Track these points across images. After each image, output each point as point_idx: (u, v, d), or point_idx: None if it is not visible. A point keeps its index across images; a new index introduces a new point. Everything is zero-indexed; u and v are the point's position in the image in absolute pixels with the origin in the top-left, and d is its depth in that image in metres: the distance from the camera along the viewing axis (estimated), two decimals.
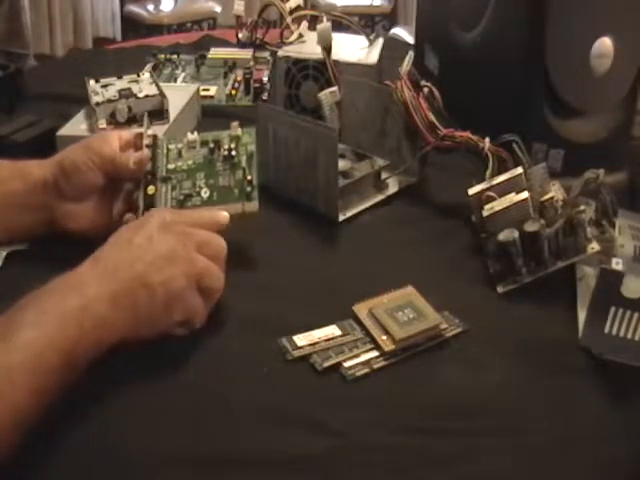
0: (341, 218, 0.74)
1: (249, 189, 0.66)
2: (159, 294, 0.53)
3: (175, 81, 1.05)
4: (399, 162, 0.79)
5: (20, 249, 0.66)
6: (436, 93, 0.77)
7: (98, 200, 0.66)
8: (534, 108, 0.79)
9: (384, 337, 0.57)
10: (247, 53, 1.10)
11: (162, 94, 0.84)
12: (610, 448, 0.50)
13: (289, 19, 1.08)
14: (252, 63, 1.08)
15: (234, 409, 0.51)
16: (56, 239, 0.66)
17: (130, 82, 0.87)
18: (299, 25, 1.07)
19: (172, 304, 0.54)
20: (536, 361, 0.57)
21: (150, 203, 0.65)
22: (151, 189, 0.65)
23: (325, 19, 0.96)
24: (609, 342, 0.56)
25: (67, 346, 0.48)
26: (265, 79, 1.03)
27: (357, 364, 0.55)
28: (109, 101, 0.82)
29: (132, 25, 3.56)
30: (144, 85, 0.86)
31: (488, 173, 0.71)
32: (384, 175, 0.80)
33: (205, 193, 0.66)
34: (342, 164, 0.78)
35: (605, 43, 0.76)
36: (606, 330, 0.56)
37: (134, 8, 3.59)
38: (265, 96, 1.00)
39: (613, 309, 0.55)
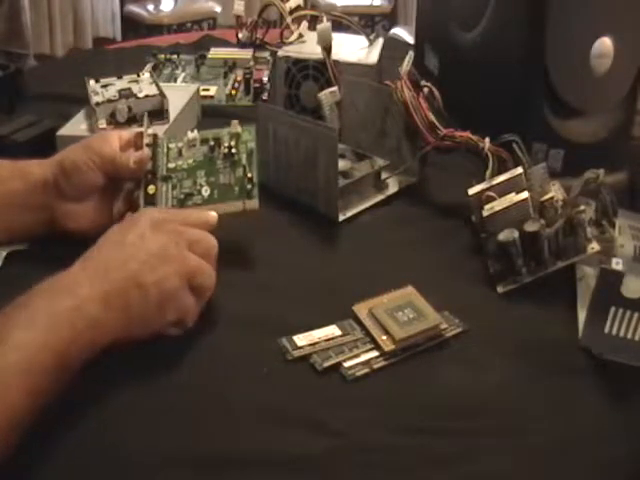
0: (341, 218, 0.74)
1: (249, 187, 0.66)
2: (152, 294, 0.53)
3: (175, 81, 1.05)
4: (399, 162, 0.79)
5: (20, 249, 0.66)
6: (436, 93, 0.77)
7: (98, 200, 0.66)
8: (534, 108, 0.79)
9: (384, 337, 0.57)
10: (247, 53, 1.10)
11: (162, 94, 0.84)
12: (610, 448, 0.50)
13: (289, 19, 1.08)
14: (252, 63, 1.08)
15: (234, 409, 0.51)
16: (56, 239, 0.66)
17: (130, 82, 0.87)
18: (299, 25, 1.07)
19: (165, 304, 0.54)
20: (536, 361, 0.57)
21: (151, 202, 0.65)
22: (152, 188, 0.65)
23: (325, 19, 0.96)
24: (609, 342, 0.56)
25: (60, 347, 0.48)
26: (265, 79, 1.03)
27: (357, 364, 0.55)
28: (109, 101, 0.82)
29: (132, 25, 3.56)
30: (144, 85, 0.86)
31: (488, 173, 0.71)
32: (384, 175, 0.80)
33: (206, 191, 0.66)
34: (342, 164, 0.78)
35: (605, 43, 0.76)
36: (606, 330, 0.56)
37: (134, 8, 3.59)
38: (265, 96, 1.00)
39: (613, 309, 0.55)
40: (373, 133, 0.81)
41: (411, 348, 0.57)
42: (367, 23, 3.70)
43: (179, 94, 0.91)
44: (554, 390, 0.55)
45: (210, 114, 0.97)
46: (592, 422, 0.52)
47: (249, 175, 0.66)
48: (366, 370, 0.55)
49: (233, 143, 0.68)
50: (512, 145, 0.71)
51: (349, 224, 0.74)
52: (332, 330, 0.58)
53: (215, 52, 1.11)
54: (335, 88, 0.83)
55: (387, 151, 0.80)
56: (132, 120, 0.82)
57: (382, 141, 0.81)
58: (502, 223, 0.66)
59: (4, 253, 0.65)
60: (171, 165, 0.67)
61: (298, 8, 1.12)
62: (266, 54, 1.10)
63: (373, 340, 0.57)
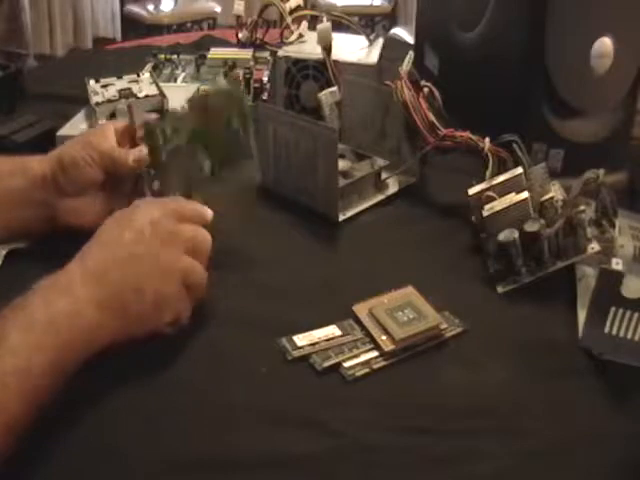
0: (341, 218, 0.74)
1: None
2: (149, 296, 0.53)
3: (175, 81, 1.05)
4: (399, 162, 0.79)
5: (20, 247, 0.66)
6: (436, 93, 0.77)
7: (98, 195, 0.66)
8: (534, 108, 0.79)
9: (384, 337, 0.57)
10: (247, 53, 1.10)
11: (162, 94, 0.84)
12: (610, 448, 0.50)
13: (289, 19, 1.08)
14: (252, 63, 1.08)
15: (234, 409, 0.51)
16: (57, 237, 0.65)
17: (130, 82, 0.87)
18: (299, 25, 1.07)
19: (162, 306, 0.54)
20: (536, 361, 0.57)
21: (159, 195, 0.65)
22: (156, 184, 0.65)
23: (325, 19, 0.96)
24: (609, 342, 0.56)
25: (57, 350, 0.48)
26: (265, 79, 1.03)
27: (357, 364, 0.55)
28: (109, 101, 0.82)
29: (132, 25, 3.56)
30: (144, 85, 0.86)
31: (488, 173, 0.71)
32: (384, 175, 0.80)
33: (208, 167, 0.65)
34: (342, 164, 0.78)
35: (605, 43, 0.76)
36: (606, 330, 0.56)
37: (134, 8, 3.60)
38: (265, 96, 1.00)
39: (613, 309, 0.55)
40: (373, 133, 0.81)
41: (411, 348, 0.57)
42: (367, 23, 3.71)
43: (179, 94, 0.91)
44: (554, 390, 0.55)
45: None
46: (592, 422, 0.52)
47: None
48: (366, 370, 0.55)
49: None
50: (512, 145, 0.71)
51: (349, 224, 0.74)
52: (332, 330, 0.58)
53: (215, 52, 1.11)
54: (335, 88, 0.83)
55: (387, 151, 0.80)
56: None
57: (382, 141, 0.81)
58: (502, 223, 0.66)
59: (4, 251, 0.65)
60: (170, 147, 0.66)
61: (298, 8, 1.12)
62: (266, 54, 1.10)
63: (373, 340, 0.57)
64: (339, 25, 1.00)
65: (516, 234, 0.64)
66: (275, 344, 0.56)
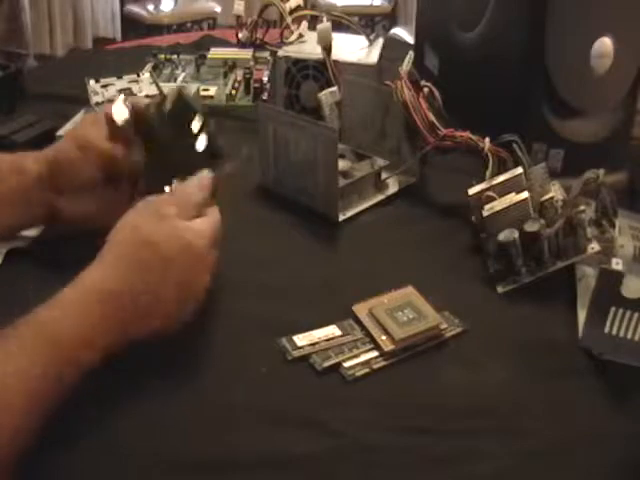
0: (341, 218, 0.74)
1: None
2: (171, 310, 0.53)
3: (175, 81, 1.05)
4: (399, 162, 0.79)
5: (20, 247, 0.66)
6: (436, 93, 0.77)
7: (96, 192, 0.65)
8: (534, 108, 0.79)
9: (384, 337, 0.57)
10: (247, 53, 1.10)
11: (162, 94, 0.84)
12: (610, 448, 0.50)
13: (289, 19, 1.08)
14: (252, 63, 1.08)
15: (234, 409, 0.51)
16: (57, 238, 0.66)
17: (130, 82, 0.87)
18: (299, 25, 1.07)
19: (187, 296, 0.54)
20: (536, 361, 0.57)
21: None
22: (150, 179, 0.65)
23: (325, 19, 0.96)
24: (609, 342, 0.56)
25: (61, 367, 0.47)
26: (265, 79, 1.03)
27: (357, 364, 0.55)
28: (109, 101, 0.82)
29: (132, 25, 3.56)
30: (144, 85, 0.86)
31: (488, 173, 0.71)
32: (384, 175, 0.80)
33: (202, 144, 0.65)
34: (342, 164, 0.78)
35: (605, 43, 0.76)
36: (606, 330, 0.56)
37: (134, 8, 3.59)
38: (265, 96, 1.00)
39: (613, 309, 0.55)
40: (373, 133, 0.81)
41: (411, 348, 0.57)
42: (367, 23, 3.71)
43: None
44: (554, 390, 0.55)
45: (210, 114, 0.97)
46: (592, 422, 0.52)
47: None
48: (366, 370, 0.55)
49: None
50: (512, 145, 0.71)
51: (349, 224, 0.74)
52: (332, 330, 0.58)
53: (215, 52, 1.11)
54: (335, 88, 0.83)
55: (387, 151, 0.80)
56: None
57: (382, 141, 0.81)
58: (502, 223, 0.66)
59: (4, 251, 0.65)
60: (167, 132, 0.65)
61: (298, 8, 1.12)
62: (266, 54, 1.10)
63: (373, 340, 0.57)
64: (339, 25, 1.00)
65: (516, 234, 0.64)
66: (275, 344, 0.56)
